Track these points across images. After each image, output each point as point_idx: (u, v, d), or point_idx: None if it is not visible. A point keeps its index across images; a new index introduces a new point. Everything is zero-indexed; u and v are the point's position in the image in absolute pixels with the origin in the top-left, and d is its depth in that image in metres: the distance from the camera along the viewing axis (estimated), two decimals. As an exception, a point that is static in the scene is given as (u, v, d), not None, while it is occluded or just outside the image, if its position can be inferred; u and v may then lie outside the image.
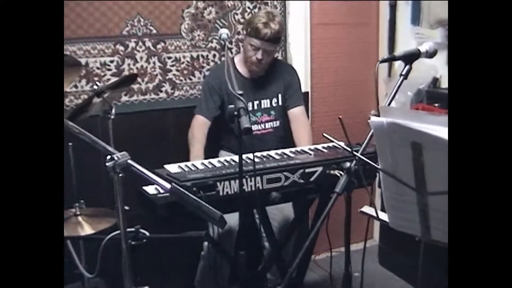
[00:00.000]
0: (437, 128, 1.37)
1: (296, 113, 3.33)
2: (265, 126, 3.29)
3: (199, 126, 3.20)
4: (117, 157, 1.65)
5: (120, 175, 1.67)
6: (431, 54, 2.08)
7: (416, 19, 3.80)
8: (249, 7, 3.59)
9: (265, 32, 3.03)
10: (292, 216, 3.10)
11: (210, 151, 3.22)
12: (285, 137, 3.37)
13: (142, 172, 1.67)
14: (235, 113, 2.18)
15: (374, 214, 1.91)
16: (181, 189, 1.69)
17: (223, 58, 3.52)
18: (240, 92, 2.23)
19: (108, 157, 1.66)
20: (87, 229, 2.56)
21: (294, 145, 3.21)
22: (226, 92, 3.13)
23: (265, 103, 3.28)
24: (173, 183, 1.75)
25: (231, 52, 3.57)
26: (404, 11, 3.95)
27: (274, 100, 3.30)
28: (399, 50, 3.99)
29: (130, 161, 1.67)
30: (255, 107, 3.25)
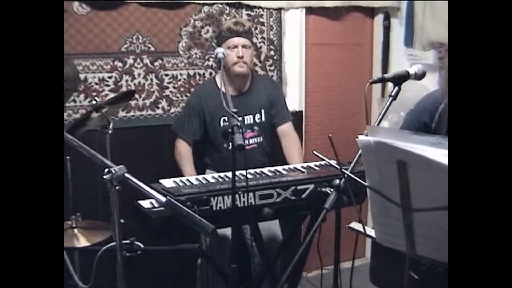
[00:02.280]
0: (422, 147, 1.42)
1: (285, 129, 3.37)
2: (249, 142, 3.27)
3: (184, 148, 3.27)
4: (115, 170, 1.70)
5: (117, 187, 1.72)
6: (419, 76, 2.15)
7: (409, 41, 3.89)
8: (245, 27, 3.63)
9: (237, 28, 3.17)
10: (279, 234, 3.14)
11: (196, 169, 3.26)
12: (270, 153, 3.39)
13: (138, 185, 1.72)
14: (229, 130, 2.24)
15: (362, 230, 1.95)
16: (176, 202, 1.74)
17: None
18: (235, 110, 2.29)
19: (106, 170, 1.71)
20: (82, 241, 2.60)
21: (280, 160, 3.26)
22: (208, 110, 3.22)
23: (248, 119, 3.28)
24: (168, 197, 1.81)
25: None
26: (398, 33, 4.04)
27: (257, 116, 3.30)
28: (392, 71, 4.06)
29: (127, 174, 1.71)
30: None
